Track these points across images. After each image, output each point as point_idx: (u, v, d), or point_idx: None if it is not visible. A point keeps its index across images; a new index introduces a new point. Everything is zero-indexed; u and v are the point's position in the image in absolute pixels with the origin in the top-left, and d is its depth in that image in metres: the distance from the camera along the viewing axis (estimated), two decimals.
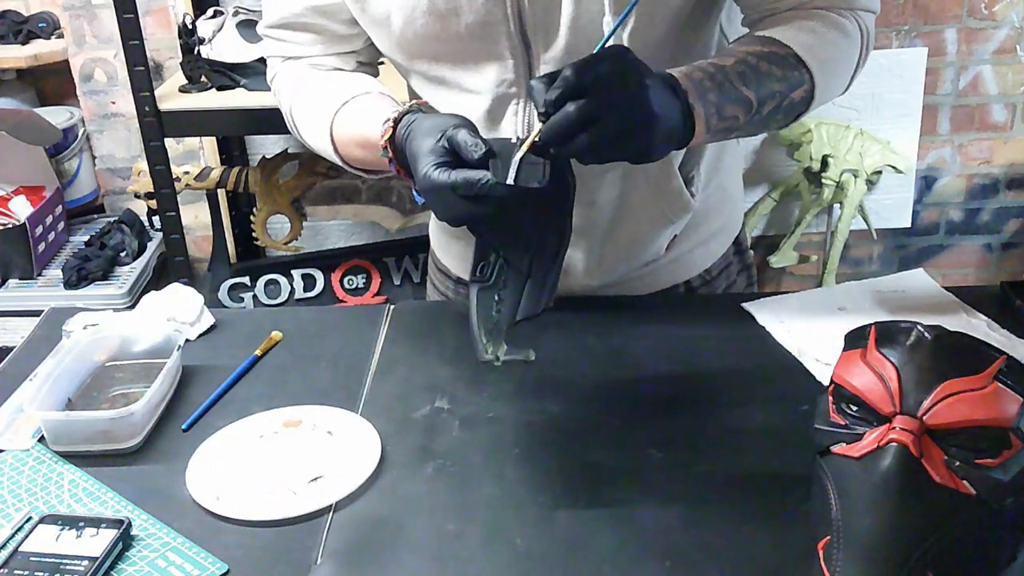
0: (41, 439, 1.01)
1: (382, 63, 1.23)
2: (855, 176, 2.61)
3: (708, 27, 1.10)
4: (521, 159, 0.84)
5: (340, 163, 1.12)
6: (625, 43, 1.00)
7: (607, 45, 0.88)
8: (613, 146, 0.85)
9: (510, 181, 0.84)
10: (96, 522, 0.86)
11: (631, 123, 0.84)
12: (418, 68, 1.11)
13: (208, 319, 1.23)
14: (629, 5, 0.90)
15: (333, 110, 1.10)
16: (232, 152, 2.63)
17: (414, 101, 1.01)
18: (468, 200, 0.85)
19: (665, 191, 1.16)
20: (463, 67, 1.08)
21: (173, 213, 2.17)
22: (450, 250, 1.34)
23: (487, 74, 1.07)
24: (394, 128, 0.97)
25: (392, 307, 1.26)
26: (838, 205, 2.66)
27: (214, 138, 2.58)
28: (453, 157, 0.87)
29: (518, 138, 0.87)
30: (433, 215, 1.13)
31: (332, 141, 1.11)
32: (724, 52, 1.01)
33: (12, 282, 2.42)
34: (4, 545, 0.87)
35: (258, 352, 1.16)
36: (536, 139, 0.84)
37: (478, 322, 0.93)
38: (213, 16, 2.18)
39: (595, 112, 0.82)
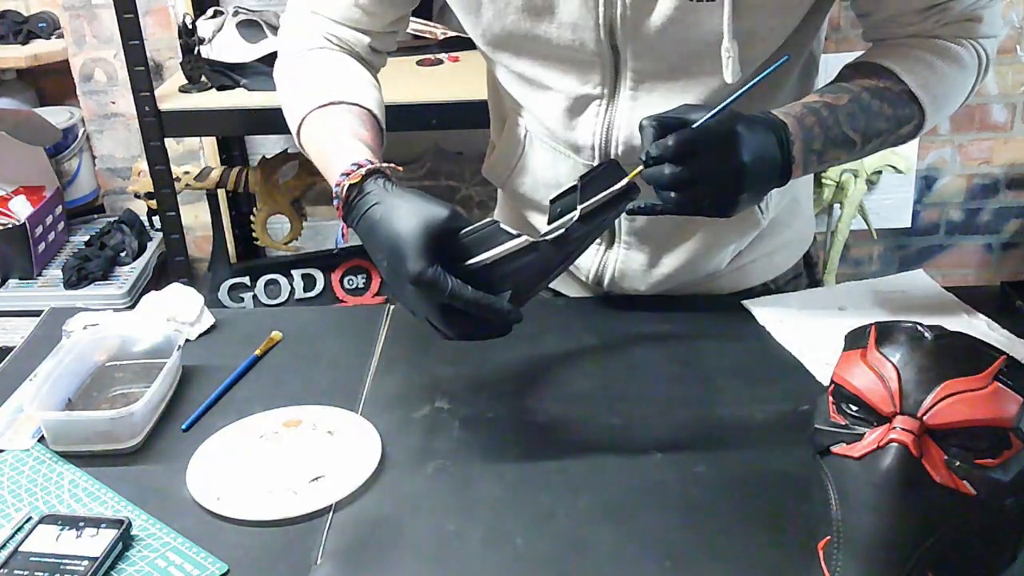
0: (41, 439, 1.01)
1: (392, 53, 1.21)
2: (855, 176, 2.61)
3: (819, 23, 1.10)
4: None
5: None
6: (737, 60, 0.98)
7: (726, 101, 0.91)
8: (695, 210, 0.93)
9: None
10: (96, 522, 0.86)
11: (718, 202, 0.93)
12: (502, 60, 1.11)
13: (208, 319, 1.23)
14: (763, 73, 0.92)
15: (311, 106, 1.06)
16: (232, 152, 2.63)
17: (383, 164, 0.95)
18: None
19: None
20: (546, 65, 1.08)
21: (173, 213, 2.17)
22: None
23: (572, 74, 1.07)
24: (347, 195, 0.93)
25: (392, 307, 1.26)
26: (838, 205, 2.66)
27: (214, 138, 2.58)
28: (443, 255, 0.86)
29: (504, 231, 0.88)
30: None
31: (299, 137, 1.09)
32: (841, 88, 1.02)
33: (12, 282, 2.42)
34: (4, 545, 0.87)
35: (258, 352, 1.16)
36: (636, 176, 0.90)
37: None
38: (213, 16, 2.18)
39: (688, 180, 0.90)
